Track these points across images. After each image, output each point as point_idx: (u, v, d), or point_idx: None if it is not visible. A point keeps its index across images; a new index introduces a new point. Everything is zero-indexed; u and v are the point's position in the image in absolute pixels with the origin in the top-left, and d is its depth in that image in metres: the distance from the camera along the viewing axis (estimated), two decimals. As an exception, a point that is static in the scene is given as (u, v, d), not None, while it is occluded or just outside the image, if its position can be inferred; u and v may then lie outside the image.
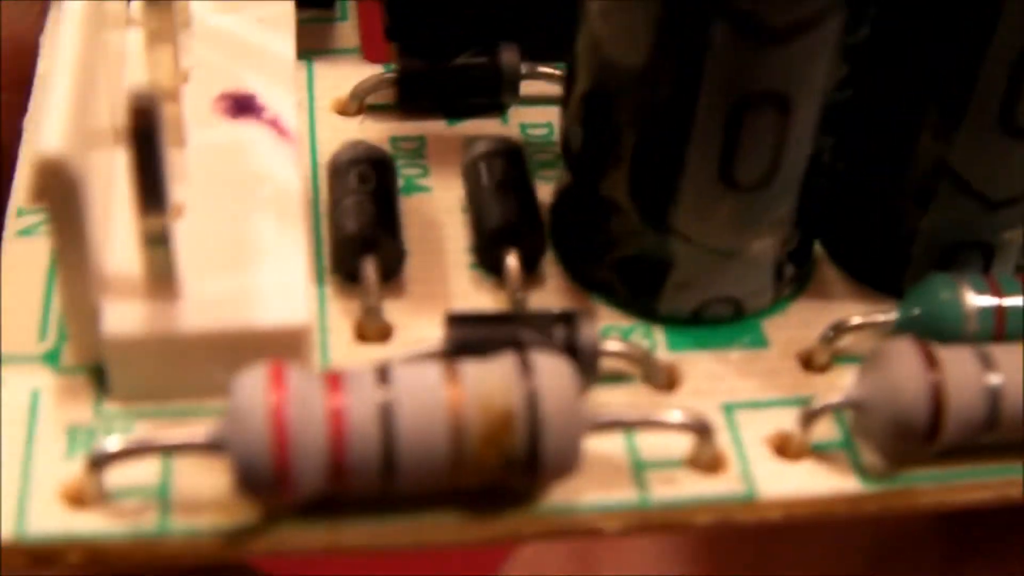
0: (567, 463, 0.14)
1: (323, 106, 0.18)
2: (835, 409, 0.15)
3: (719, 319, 0.16)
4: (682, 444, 0.14)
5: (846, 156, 0.16)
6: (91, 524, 0.13)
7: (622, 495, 0.14)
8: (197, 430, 0.13)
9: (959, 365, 0.14)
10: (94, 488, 0.13)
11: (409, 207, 0.17)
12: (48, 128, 0.13)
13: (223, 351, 0.14)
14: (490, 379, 0.13)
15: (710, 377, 0.15)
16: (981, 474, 0.15)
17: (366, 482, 0.13)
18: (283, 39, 0.17)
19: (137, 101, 0.13)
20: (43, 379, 0.14)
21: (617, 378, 0.15)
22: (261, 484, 0.13)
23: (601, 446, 0.14)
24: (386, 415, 0.13)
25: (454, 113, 0.18)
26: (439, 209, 0.17)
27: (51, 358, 0.15)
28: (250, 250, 0.15)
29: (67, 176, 0.13)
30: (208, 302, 0.14)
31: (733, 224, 0.15)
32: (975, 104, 0.15)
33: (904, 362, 0.14)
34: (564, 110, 0.16)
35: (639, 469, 0.14)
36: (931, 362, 0.14)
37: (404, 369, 0.13)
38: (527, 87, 0.18)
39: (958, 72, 0.15)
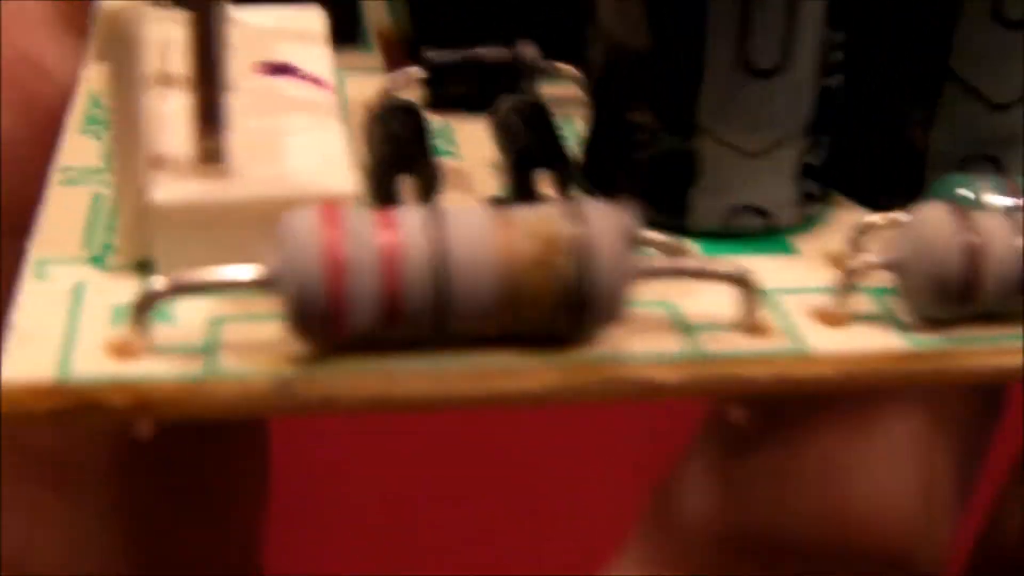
0: (615, 303, 0.14)
1: (353, 111, 0.19)
2: (873, 269, 0.15)
3: (748, 231, 0.16)
4: (726, 309, 0.14)
5: (852, 58, 0.16)
6: (137, 369, 0.13)
7: (673, 346, 0.14)
8: (247, 268, 0.13)
9: (993, 225, 0.15)
10: (140, 333, 0.13)
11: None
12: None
13: (271, 223, 0.14)
14: (540, 214, 0.14)
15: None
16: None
17: (420, 313, 0.13)
18: (317, 30, 0.18)
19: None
20: (89, 274, 0.15)
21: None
22: (315, 318, 0.13)
23: (644, 309, 0.14)
24: (439, 246, 0.13)
25: (478, 107, 0.19)
26: (471, 176, 0.17)
27: (97, 260, 0.15)
28: (292, 141, 0.15)
29: (127, 31, 0.13)
30: (256, 177, 0.14)
31: (755, 117, 0.16)
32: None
33: (937, 222, 0.14)
34: (589, 40, 0.17)
35: (686, 329, 0.14)
36: (965, 221, 0.14)
37: (455, 209, 0.14)
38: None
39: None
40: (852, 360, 0.14)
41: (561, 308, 0.14)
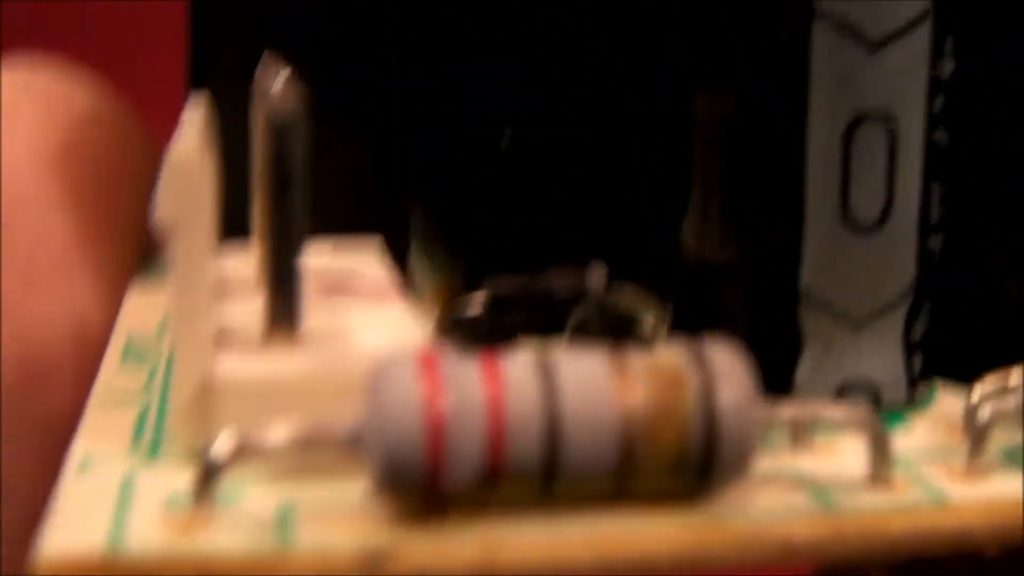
0: (744, 454, 0.12)
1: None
2: (1003, 414, 0.13)
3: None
4: (851, 466, 0.13)
5: (952, 216, 0.15)
6: (200, 542, 0.11)
7: (802, 502, 0.12)
8: (332, 424, 0.12)
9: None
10: (204, 506, 0.12)
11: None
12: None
13: (344, 400, 0.13)
14: (660, 358, 0.12)
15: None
16: None
17: (527, 471, 0.12)
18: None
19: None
20: (138, 466, 0.13)
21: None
22: (408, 477, 0.11)
23: (766, 466, 0.13)
24: (548, 396, 0.12)
25: (543, 332, 0.18)
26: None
27: (149, 453, 0.13)
28: (361, 323, 0.14)
29: (194, 177, 0.12)
30: (327, 351, 0.13)
31: (858, 275, 0.14)
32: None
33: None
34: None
35: (814, 484, 0.13)
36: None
37: (566, 356, 0.12)
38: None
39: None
40: (992, 507, 0.13)
41: (685, 461, 0.12)
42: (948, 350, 0.16)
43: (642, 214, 0.17)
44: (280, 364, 0.13)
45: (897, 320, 0.15)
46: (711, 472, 0.12)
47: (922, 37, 0.14)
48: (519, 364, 0.12)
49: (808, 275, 0.14)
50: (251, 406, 0.13)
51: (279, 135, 0.13)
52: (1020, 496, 0.13)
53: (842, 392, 0.15)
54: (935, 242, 0.15)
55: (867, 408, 0.13)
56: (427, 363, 0.12)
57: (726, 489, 0.12)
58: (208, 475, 0.12)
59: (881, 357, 0.15)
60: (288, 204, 0.13)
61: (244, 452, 0.12)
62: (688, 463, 0.12)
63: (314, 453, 0.12)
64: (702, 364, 0.12)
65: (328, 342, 0.13)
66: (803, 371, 0.15)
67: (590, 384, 0.12)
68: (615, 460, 0.12)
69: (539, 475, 0.12)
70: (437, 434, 0.11)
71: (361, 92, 0.18)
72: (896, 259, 0.15)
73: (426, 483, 0.11)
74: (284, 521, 0.12)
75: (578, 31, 0.17)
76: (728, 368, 0.12)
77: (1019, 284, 0.15)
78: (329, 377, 0.13)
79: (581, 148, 0.17)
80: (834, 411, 0.13)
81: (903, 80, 0.14)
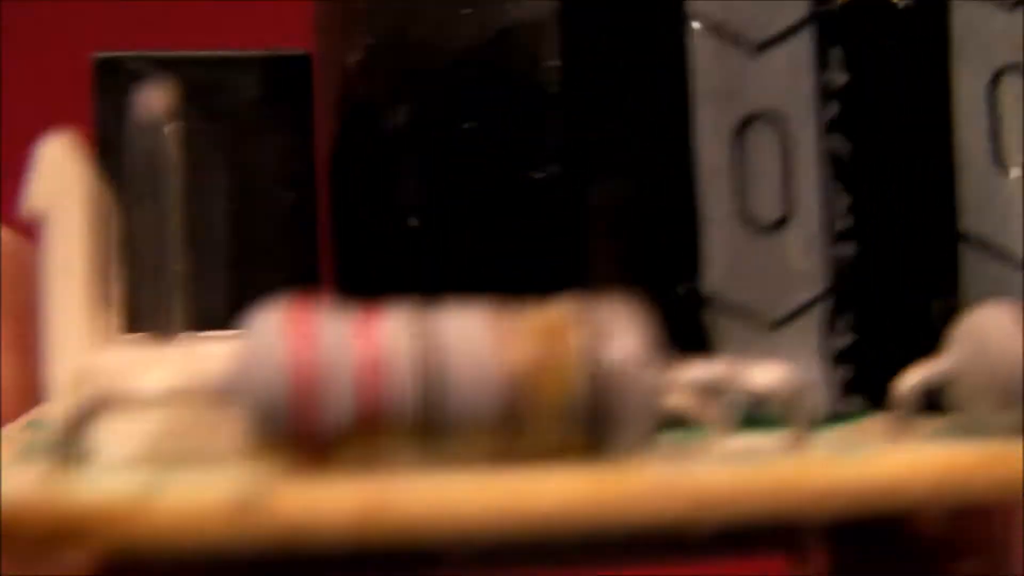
0: (640, 414, 0.11)
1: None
2: (929, 381, 0.13)
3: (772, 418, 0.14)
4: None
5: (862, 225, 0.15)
6: (62, 488, 0.11)
7: (715, 460, 0.12)
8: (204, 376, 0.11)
9: None
10: (72, 455, 0.11)
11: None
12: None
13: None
14: (545, 315, 0.12)
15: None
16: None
17: (404, 417, 0.11)
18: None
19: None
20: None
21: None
22: (279, 421, 0.11)
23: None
24: (424, 343, 0.11)
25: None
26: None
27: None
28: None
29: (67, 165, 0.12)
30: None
31: (764, 277, 0.14)
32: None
33: (997, 327, 0.13)
34: None
35: (729, 454, 0.12)
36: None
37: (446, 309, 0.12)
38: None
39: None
40: (916, 465, 0.12)
41: (573, 416, 0.11)
42: (875, 368, 0.15)
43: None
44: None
45: (812, 326, 0.14)
46: (604, 429, 0.11)
47: (805, 43, 0.14)
48: (395, 316, 0.11)
49: (712, 279, 0.14)
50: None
51: (147, 133, 0.13)
52: (946, 457, 0.12)
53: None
54: (846, 250, 0.15)
55: (785, 370, 0.12)
56: (297, 316, 0.11)
57: (626, 453, 0.12)
58: (76, 424, 0.11)
59: (800, 363, 0.14)
60: (160, 203, 0.13)
61: (114, 401, 0.11)
62: (576, 418, 0.11)
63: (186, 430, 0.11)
64: (590, 318, 0.12)
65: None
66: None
67: (470, 333, 0.11)
68: (499, 412, 0.11)
69: (418, 425, 0.11)
70: (306, 380, 0.11)
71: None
72: (803, 263, 0.14)
73: (297, 431, 0.11)
74: (154, 478, 0.11)
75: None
76: (618, 321, 0.12)
77: (944, 302, 0.15)
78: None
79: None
80: (752, 372, 0.12)
81: (790, 83, 0.14)
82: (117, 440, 0.11)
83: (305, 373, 0.11)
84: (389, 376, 0.11)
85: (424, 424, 0.11)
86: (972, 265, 0.15)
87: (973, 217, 0.15)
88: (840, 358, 0.15)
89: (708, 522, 0.11)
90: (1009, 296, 0.15)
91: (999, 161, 0.15)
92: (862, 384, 0.15)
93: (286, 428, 0.11)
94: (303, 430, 0.11)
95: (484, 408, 0.11)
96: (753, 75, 0.14)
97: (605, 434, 0.11)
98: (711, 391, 0.12)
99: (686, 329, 0.14)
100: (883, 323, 0.15)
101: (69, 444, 0.11)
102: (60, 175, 0.12)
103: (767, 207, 0.14)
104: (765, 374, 0.12)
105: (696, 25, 0.14)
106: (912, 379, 0.13)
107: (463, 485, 0.11)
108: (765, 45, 0.14)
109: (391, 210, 0.16)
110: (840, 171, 0.15)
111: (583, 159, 0.15)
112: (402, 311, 0.11)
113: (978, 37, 0.15)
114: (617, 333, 0.11)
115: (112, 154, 0.16)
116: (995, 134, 0.15)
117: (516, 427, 0.11)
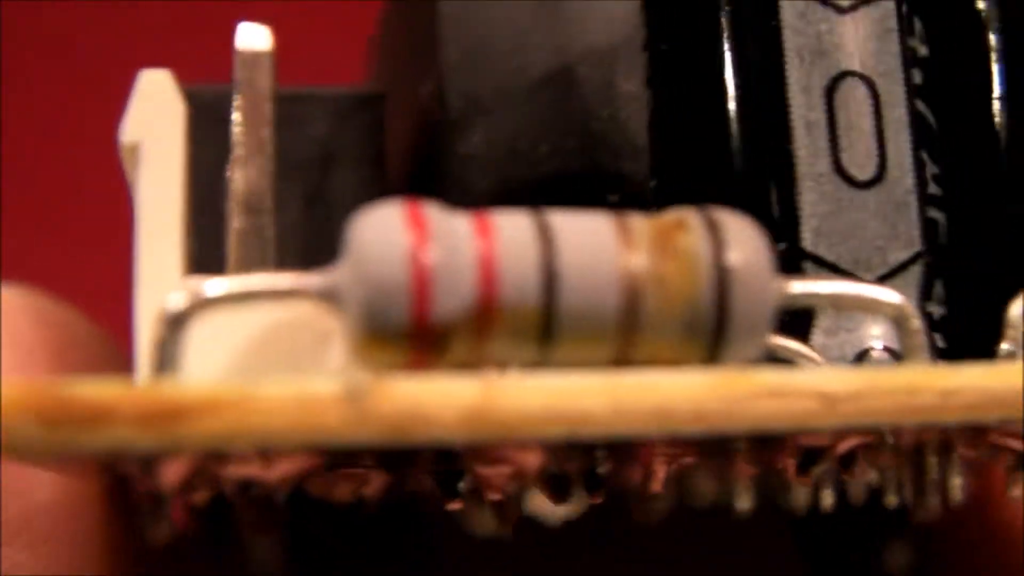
0: (758, 322, 0.11)
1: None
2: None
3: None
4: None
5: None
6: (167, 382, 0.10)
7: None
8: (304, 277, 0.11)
9: None
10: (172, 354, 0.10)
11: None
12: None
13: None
14: (666, 220, 0.11)
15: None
16: None
17: (522, 311, 0.10)
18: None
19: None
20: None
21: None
22: (394, 318, 0.10)
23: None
24: (544, 244, 0.11)
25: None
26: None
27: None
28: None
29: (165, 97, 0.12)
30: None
31: (859, 234, 0.14)
32: None
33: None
34: None
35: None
36: None
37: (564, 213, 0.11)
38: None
39: None
40: None
41: (696, 322, 0.11)
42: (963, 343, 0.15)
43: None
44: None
45: (911, 283, 0.14)
46: (723, 334, 0.11)
47: (888, 8, 0.14)
48: (514, 217, 0.11)
49: (808, 237, 0.14)
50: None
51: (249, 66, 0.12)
52: None
53: (861, 358, 0.14)
54: (938, 215, 0.14)
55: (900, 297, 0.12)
56: (413, 215, 0.11)
57: (744, 359, 0.11)
58: (173, 323, 0.10)
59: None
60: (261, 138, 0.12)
61: (206, 301, 0.11)
62: (696, 323, 0.11)
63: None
64: (713, 226, 0.11)
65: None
66: (817, 336, 0.14)
67: (589, 235, 0.11)
68: (617, 314, 0.11)
69: (534, 324, 0.11)
70: (424, 270, 0.10)
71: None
72: (898, 223, 0.14)
73: (414, 322, 0.10)
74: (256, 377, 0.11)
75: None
76: (737, 228, 0.11)
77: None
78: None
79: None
80: (864, 292, 0.12)
81: (877, 45, 0.14)
82: (215, 349, 0.11)
83: (424, 263, 0.10)
84: (507, 272, 0.11)
85: (541, 323, 0.11)
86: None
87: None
88: (933, 328, 0.14)
89: (829, 424, 0.11)
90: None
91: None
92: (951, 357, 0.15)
93: (402, 319, 0.10)
94: (419, 322, 0.10)
95: (602, 310, 0.11)
96: (841, 36, 0.14)
97: (724, 339, 0.11)
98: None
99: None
100: (973, 297, 0.15)
101: (168, 345, 0.10)
102: (156, 107, 0.12)
103: (861, 166, 0.14)
104: (882, 291, 0.12)
105: None
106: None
107: (583, 380, 0.11)
108: (851, 8, 0.14)
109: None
110: (928, 139, 0.15)
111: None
112: (521, 213, 0.11)
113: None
114: (736, 240, 0.11)
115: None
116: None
117: (633, 330, 0.11)
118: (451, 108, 0.17)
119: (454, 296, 0.10)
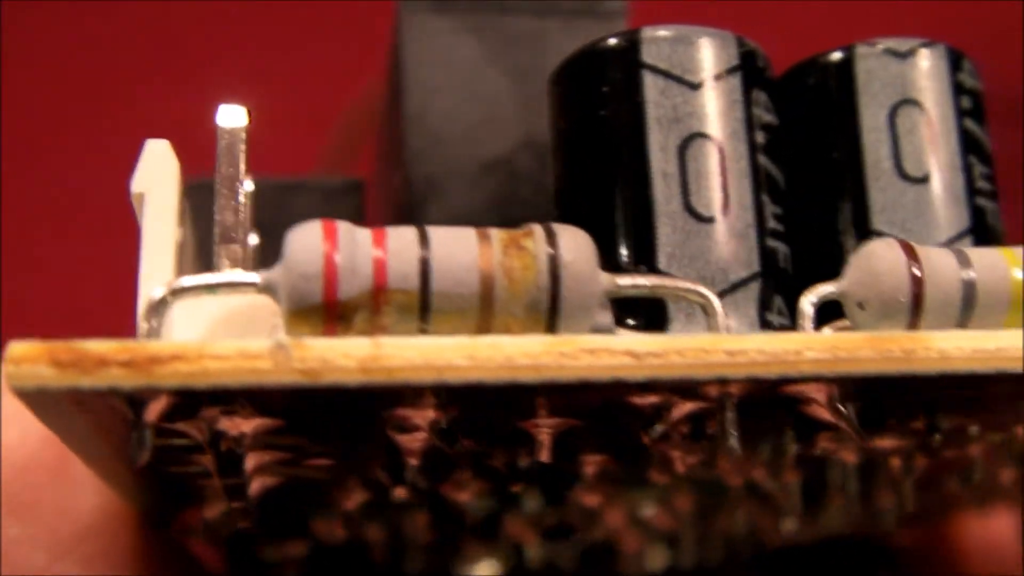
0: (583, 305, 0.15)
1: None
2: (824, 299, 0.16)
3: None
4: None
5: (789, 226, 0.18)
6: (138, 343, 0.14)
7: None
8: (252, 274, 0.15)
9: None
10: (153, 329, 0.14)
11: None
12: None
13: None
14: (516, 232, 0.15)
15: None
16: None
17: (404, 296, 0.14)
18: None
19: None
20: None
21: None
22: (314, 294, 0.14)
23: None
24: (423, 248, 0.15)
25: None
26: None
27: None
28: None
29: (165, 159, 0.17)
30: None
31: (705, 259, 0.18)
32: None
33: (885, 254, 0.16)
34: None
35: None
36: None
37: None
38: None
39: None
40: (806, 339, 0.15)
41: (535, 302, 0.15)
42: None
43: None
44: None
45: (750, 297, 0.18)
46: (557, 315, 0.15)
47: (734, 84, 0.18)
48: (401, 229, 0.15)
49: (663, 261, 0.18)
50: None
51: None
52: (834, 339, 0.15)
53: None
54: (775, 244, 0.18)
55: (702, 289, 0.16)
56: (328, 228, 0.15)
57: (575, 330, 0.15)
58: (156, 306, 0.15)
59: (739, 325, 0.18)
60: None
61: (181, 290, 0.15)
62: (536, 303, 0.15)
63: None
64: (550, 233, 0.15)
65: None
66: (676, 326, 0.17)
67: (457, 241, 0.15)
68: (476, 297, 0.15)
69: (413, 305, 0.15)
70: (333, 265, 0.15)
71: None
72: (739, 248, 0.18)
73: (323, 305, 0.14)
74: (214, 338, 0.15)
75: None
76: (571, 237, 0.15)
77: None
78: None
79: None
80: (673, 283, 0.16)
81: (725, 113, 0.18)
82: (191, 323, 0.15)
83: (332, 259, 0.15)
84: (393, 265, 0.15)
85: (419, 303, 0.15)
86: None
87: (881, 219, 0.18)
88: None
89: (639, 376, 0.15)
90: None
91: (902, 174, 0.19)
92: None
93: (317, 300, 0.14)
94: (328, 302, 0.14)
95: (464, 293, 0.15)
96: (693, 107, 0.18)
97: (558, 316, 0.15)
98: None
99: (645, 300, 0.18)
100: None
101: (151, 319, 0.15)
102: (157, 168, 0.16)
103: (706, 206, 0.18)
104: (682, 284, 0.16)
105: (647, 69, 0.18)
106: (814, 295, 0.16)
107: (448, 345, 0.14)
108: (701, 85, 0.18)
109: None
110: (769, 185, 0.18)
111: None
112: (407, 229, 0.15)
113: (879, 80, 0.19)
114: (567, 242, 0.15)
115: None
116: (896, 153, 0.19)
117: (489, 309, 0.15)
118: (415, 191, 0.21)
119: (354, 283, 0.14)
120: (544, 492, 0.20)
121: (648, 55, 0.18)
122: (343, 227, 0.15)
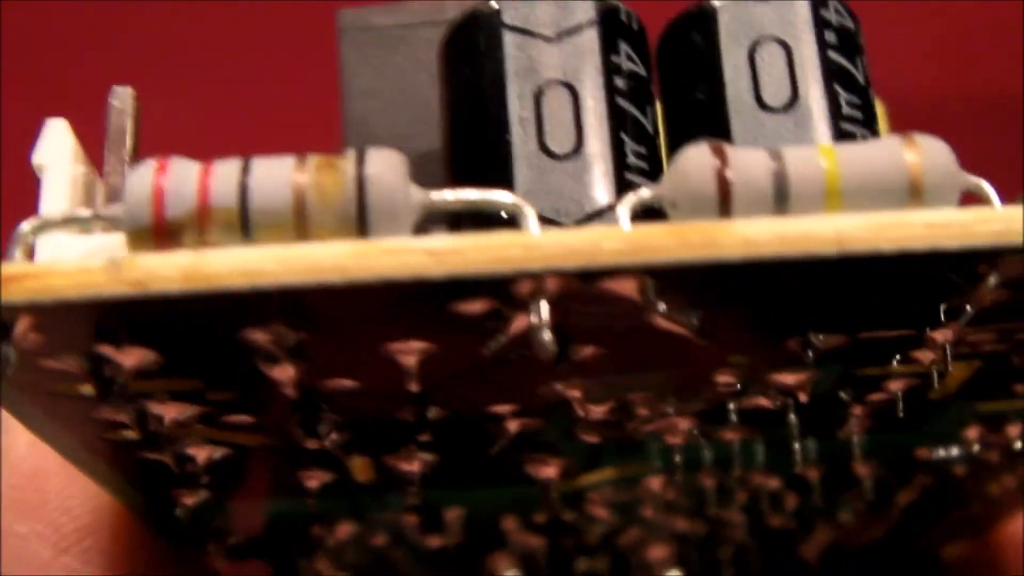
0: (392, 215, 0.16)
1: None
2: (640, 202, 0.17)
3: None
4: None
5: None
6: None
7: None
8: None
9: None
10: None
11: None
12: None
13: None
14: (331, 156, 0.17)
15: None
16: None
17: (225, 211, 0.16)
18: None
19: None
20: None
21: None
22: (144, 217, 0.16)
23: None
24: (243, 172, 0.17)
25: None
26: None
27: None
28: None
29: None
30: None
31: (562, 192, 0.19)
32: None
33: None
34: None
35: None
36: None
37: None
38: None
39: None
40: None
41: (346, 213, 0.16)
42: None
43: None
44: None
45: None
46: (365, 226, 0.16)
47: (591, 35, 0.20)
48: (229, 160, 0.17)
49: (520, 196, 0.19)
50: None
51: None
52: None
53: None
54: (635, 179, 0.19)
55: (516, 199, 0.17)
56: (161, 164, 0.17)
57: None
58: (20, 241, 0.17)
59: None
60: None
61: (43, 225, 0.17)
62: (348, 217, 0.16)
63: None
64: (361, 153, 0.17)
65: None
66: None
67: (274, 165, 0.17)
68: (290, 211, 0.16)
69: (235, 220, 0.16)
70: (159, 196, 0.16)
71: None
72: (594, 181, 0.19)
73: (153, 225, 0.16)
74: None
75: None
76: (379, 156, 0.17)
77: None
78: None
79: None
80: (482, 195, 0.17)
81: (578, 62, 0.19)
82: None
83: (160, 185, 0.16)
84: (215, 187, 0.16)
85: (236, 217, 0.16)
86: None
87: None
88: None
89: (438, 273, 0.16)
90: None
91: (762, 105, 0.19)
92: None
93: (148, 221, 0.16)
94: (154, 222, 0.16)
95: (277, 208, 0.16)
96: (548, 57, 0.20)
97: (366, 227, 0.16)
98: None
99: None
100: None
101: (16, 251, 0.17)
102: (61, 145, 0.19)
103: (560, 145, 0.19)
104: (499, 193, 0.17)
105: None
106: (633, 198, 0.17)
107: (260, 252, 0.16)
108: (556, 38, 0.20)
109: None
110: (631, 127, 0.19)
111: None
112: (235, 159, 0.17)
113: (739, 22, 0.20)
114: (374, 160, 0.17)
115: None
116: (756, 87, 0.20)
117: (304, 223, 0.16)
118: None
119: (180, 205, 0.16)
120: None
121: (508, 17, 0.20)
122: (176, 161, 0.17)
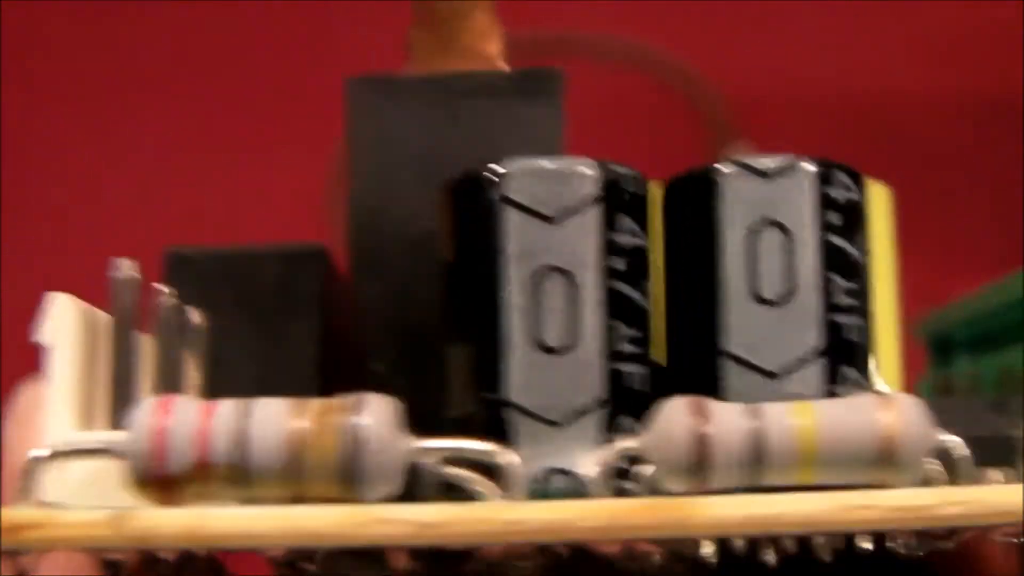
0: (386, 468, 0.17)
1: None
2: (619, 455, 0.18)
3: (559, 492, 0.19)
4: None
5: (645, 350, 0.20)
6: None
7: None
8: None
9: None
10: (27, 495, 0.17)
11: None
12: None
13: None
14: (328, 400, 0.17)
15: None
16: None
17: (223, 468, 0.17)
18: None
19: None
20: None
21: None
22: (142, 465, 0.17)
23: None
24: (242, 418, 0.17)
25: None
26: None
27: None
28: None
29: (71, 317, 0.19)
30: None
31: (552, 388, 0.19)
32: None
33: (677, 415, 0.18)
34: None
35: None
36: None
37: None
38: None
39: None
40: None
41: (344, 470, 0.17)
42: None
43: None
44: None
45: (591, 423, 0.19)
46: (360, 480, 0.17)
47: (593, 214, 0.20)
48: (227, 401, 0.18)
49: (511, 390, 0.19)
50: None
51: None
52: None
53: (547, 476, 0.19)
54: (627, 368, 0.20)
55: (500, 450, 0.18)
56: (164, 402, 0.18)
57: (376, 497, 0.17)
58: (28, 472, 0.18)
59: (582, 452, 0.19)
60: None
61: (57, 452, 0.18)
62: (336, 470, 0.17)
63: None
64: (357, 402, 0.17)
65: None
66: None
67: (270, 411, 0.17)
68: (284, 465, 0.17)
69: (232, 474, 0.17)
70: (160, 440, 0.17)
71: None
72: (585, 377, 0.19)
73: (154, 475, 0.17)
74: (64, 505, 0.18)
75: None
76: (374, 404, 0.17)
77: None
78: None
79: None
80: (472, 446, 0.18)
81: (579, 244, 0.20)
82: (63, 485, 0.18)
83: (160, 436, 0.17)
84: (213, 439, 0.17)
85: (235, 473, 0.17)
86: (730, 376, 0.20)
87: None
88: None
89: (424, 542, 0.17)
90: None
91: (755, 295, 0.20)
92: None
93: (147, 473, 0.17)
94: (156, 474, 0.17)
95: (274, 462, 0.17)
96: (546, 240, 0.20)
97: (360, 481, 0.17)
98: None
99: (491, 427, 0.19)
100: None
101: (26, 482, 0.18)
102: (65, 322, 0.19)
103: (556, 337, 0.20)
104: (483, 447, 0.18)
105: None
106: (613, 449, 0.18)
107: (255, 512, 0.17)
108: (557, 218, 0.20)
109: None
110: (624, 310, 0.20)
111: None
112: (233, 400, 0.18)
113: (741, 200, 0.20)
114: (369, 410, 0.17)
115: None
116: (752, 275, 0.20)
117: (297, 477, 0.17)
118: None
119: (181, 459, 0.17)
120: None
121: (510, 189, 0.20)
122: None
